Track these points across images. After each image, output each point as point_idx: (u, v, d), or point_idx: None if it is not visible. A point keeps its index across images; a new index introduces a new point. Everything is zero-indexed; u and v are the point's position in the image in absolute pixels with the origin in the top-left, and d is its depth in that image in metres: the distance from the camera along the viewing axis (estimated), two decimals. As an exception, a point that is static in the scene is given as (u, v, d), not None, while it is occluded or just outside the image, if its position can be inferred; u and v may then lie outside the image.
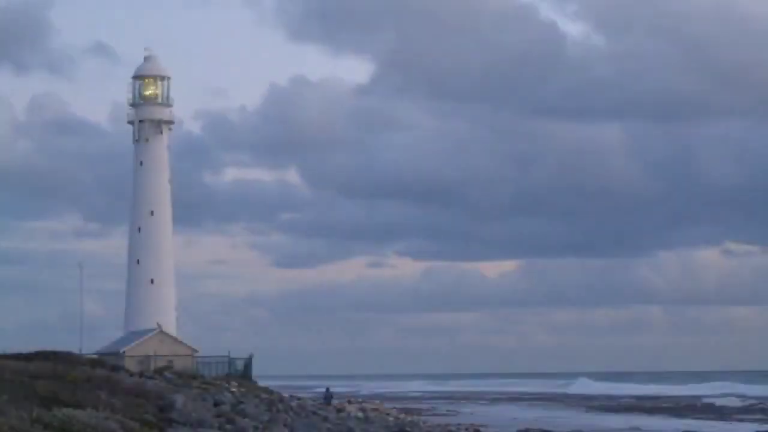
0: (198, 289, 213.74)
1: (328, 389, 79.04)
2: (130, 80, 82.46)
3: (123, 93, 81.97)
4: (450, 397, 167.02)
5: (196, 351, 76.08)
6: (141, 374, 62.67)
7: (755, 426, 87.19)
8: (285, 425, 52.82)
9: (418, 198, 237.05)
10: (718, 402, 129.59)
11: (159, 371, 66.87)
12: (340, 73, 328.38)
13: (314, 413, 63.50)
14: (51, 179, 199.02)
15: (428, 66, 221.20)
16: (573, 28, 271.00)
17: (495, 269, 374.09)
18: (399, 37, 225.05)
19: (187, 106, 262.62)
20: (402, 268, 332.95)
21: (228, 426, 46.76)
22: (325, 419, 61.31)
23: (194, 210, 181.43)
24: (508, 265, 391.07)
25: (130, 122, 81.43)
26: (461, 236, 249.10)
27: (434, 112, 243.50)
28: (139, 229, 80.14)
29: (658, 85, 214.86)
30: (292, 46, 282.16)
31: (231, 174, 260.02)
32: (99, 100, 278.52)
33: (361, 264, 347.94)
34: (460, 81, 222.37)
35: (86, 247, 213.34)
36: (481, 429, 76.96)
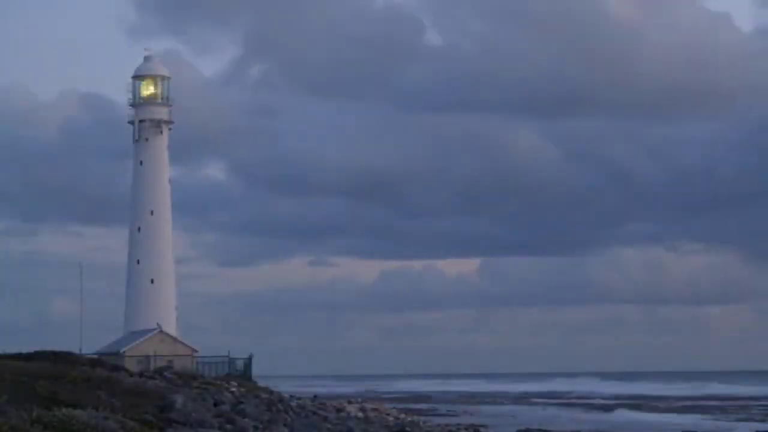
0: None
1: (315, 396, 79.42)
2: (130, 80, 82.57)
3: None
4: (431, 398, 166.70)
5: (196, 351, 76.12)
6: (141, 374, 62.65)
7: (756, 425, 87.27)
8: (285, 425, 52.79)
9: (345, 194, 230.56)
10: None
11: (159, 371, 66.84)
12: (196, 67, 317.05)
13: (314, 413, 63.50)
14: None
15: (291, 59, 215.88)
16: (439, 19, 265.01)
17: (447, 267, 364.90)
18: (258, 29, 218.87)
19: (62, 106, 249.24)
20: (349, 267, 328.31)
21: (228, 426, 46.70)
22: (325, 419, 61.29)
23: (116, 208, 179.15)
24: (460, 264, 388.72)
25: (130, 122, 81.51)
26: (398, 234, 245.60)
27: (310, 105, 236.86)
28: (139, 229, 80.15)
29: (538, 78, 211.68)
30: (135, 41, 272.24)
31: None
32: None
33: (302, 263, 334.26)
34: (326, 74, 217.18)
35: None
36: (481, 429, 76.95)
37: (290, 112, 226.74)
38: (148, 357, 73.14)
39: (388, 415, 75.07)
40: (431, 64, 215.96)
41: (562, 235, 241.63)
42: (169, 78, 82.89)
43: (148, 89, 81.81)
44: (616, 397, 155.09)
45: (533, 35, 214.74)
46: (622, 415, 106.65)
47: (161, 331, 75.45)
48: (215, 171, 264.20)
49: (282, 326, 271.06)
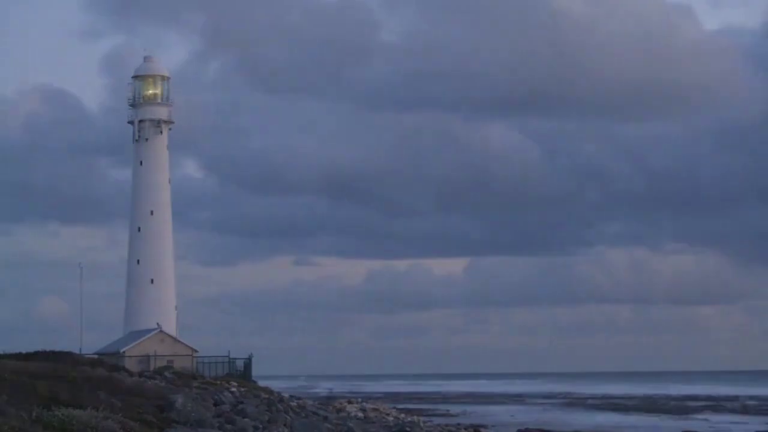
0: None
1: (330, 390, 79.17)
2: (130, 80, 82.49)
3: None
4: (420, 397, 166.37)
5: (196, 351, 76.06)
6: (141, 374, 62.64)
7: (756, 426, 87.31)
8: (285, 425, 52.77)
9: (321, 193, 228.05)
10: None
11: (159, 371, 66.84)
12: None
13: (314, 413, 63.48)
14: None
15: (247, 57, 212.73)
16: (393, 17, 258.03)
17: (432, 267, 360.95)
18: (212, 27, 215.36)
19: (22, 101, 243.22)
20: (332, 267, 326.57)
21: (228, 426, 46.72)
22: (325, 419, 61.27)
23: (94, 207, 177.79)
24: (443, 264, 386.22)
25: (130, 122, 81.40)
26: (380, 233, 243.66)
27: (270, 103, 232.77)
28: (139, 229, 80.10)
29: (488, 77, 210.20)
30: (89, 38, 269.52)
31: (115, 172, 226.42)
32: None
33: (286, 263, 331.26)
34: (283, 71, 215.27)
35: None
36: (481, 429, 76.94)
37: (251, 110, 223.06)
38: (148, 357, 73.11)
39: (387, 415, 75.08)
40: (387, 62, 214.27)
41: (540, 235, 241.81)
42: (169, 78, 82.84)
43: (148, 89, 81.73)
44: (611, 397, 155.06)
45: (486, 31, 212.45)
46: (620, 415, 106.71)
47: (161, 331, 75.41)
48: (188, 170, 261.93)
49: (270, 326, 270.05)
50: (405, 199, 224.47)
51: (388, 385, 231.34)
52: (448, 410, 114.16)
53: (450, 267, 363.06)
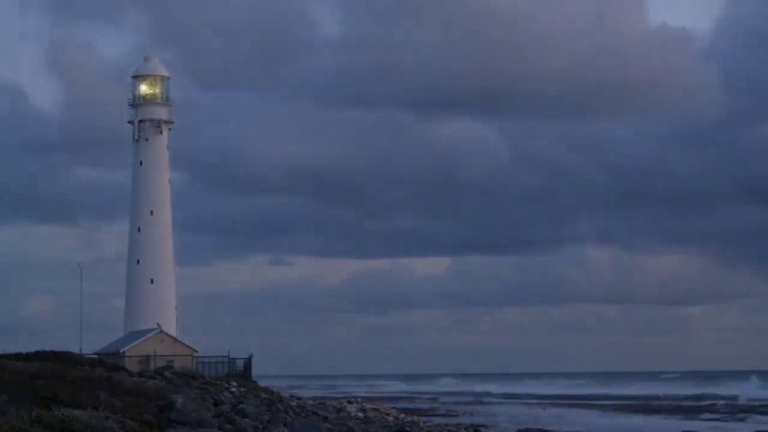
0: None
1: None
2: (130, 80, 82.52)
3: None
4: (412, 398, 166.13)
5: (196, 351, 76.12)
6: (141, 374, 62.66)
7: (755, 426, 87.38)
8: (285, 425, 52.79)
9: (290, 191, 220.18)
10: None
11: (159, 371, 66.85)
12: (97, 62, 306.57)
13: (314, 413, 63.51)
14: None
15: (187, 54, 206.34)
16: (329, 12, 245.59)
17: (409, 266, 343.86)
18: (151, 23, 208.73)
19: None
20: (308, 266, 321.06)
21: (228, 426, 46.73)
22: (325, 419, 61.29)
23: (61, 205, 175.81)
24: (423, 264, 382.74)
25: (130, 122, 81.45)
26: (354, 232, 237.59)
27: (218, 100, 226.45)
28: (139, 229, 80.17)
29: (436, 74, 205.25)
30: (28, 34, 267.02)
31: (83, 171, 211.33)
32: None
33: (261, 262, 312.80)
34: (225, 67, 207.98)
35: None
36: (481, 429, 76.96)
37: (202, 108, 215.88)
38: (148, 357, 73.15)
39: (387, 415, 75.12)
40: (332, 58, 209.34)
41: (516, 235, 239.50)
42: (168, 78, 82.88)
43: (148, 89, 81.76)
44: (606, 397, 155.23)
45: (427, 27, 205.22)
46: (620, 416, 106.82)
47: (161, 331, 75.46)
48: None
49: (252, 326, 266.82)
50: (378, 197, 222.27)
51: (382, 384, 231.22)
52: (448, 410, 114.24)
53: (430, 267, 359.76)
